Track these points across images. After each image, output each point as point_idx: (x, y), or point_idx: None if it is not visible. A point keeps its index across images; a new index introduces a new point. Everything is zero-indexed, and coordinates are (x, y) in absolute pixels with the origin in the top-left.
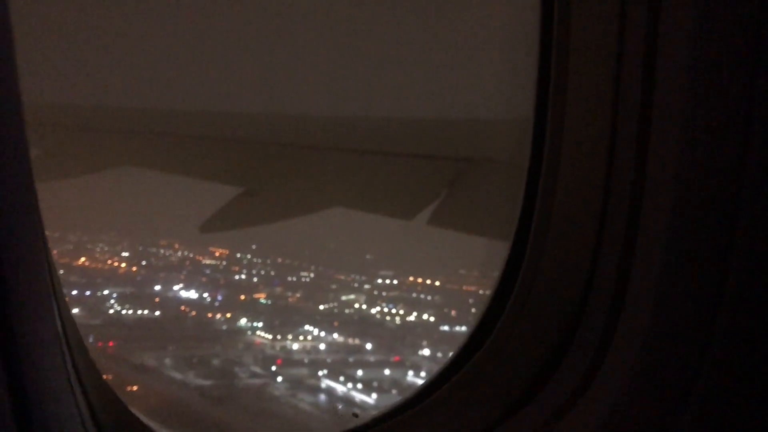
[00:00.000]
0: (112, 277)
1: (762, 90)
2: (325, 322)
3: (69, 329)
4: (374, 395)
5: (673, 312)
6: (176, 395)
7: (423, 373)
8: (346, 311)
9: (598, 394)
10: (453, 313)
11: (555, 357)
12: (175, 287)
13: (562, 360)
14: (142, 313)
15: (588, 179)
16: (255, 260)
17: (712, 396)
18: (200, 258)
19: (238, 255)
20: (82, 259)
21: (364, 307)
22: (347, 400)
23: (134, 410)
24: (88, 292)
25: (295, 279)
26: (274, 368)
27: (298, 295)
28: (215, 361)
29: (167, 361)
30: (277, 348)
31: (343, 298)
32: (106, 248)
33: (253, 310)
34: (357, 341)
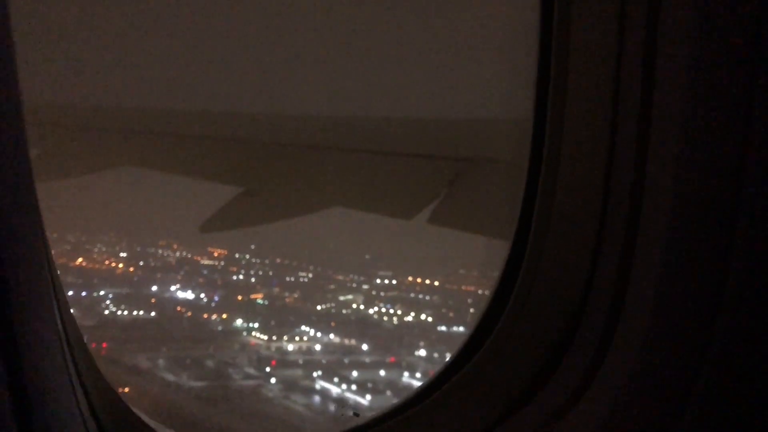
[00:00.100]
0: (109, 278)
1: (762, 90)
2: (321, 322)
3: (69, 328)
4: (368, 396)
5: (673, 312)
6: (168, 397)
7: (419, 374)
8: (344, 311)
9: (598, 394)
10: (451, 313)
11: (555, 357)
12: (172, 288)
13: (562, 360)
14: (137, 314)
15: (588, 179)
16: (254, 260)
17: (712, 396)
18: (198, 258)
19: (237, 255)
20: (80, 259)
21: (361, 307)
22: (341, 402)
23: (135, 409)
24: (84, 293)
25: (293, 279)
26: (268, 369)
27: (295, 295)
28: (209, 363)
29: (161, 362)
30: (273, 349)
31: (341, 298)
32: (104, 249)
33: (249, 311)
34: (353, 342)
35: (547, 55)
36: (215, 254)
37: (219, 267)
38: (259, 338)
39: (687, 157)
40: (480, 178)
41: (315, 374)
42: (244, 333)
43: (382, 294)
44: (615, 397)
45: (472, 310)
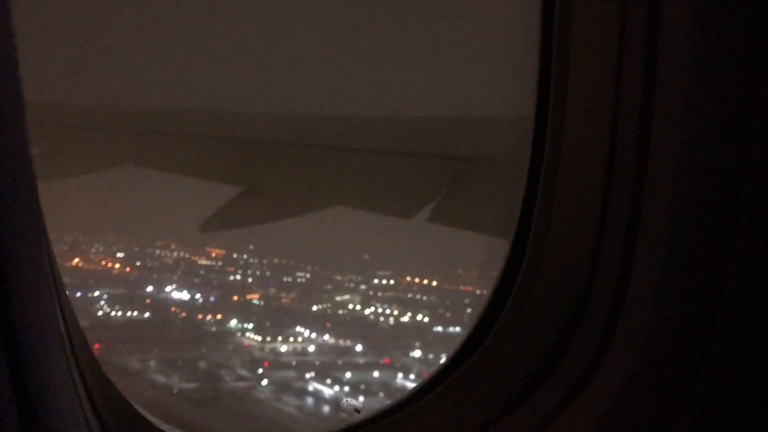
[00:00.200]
0: (104, 278)
1: (762, 90)
2: (317, 323)
3: (71, 327)
4: (361, 398)
5: (673, 312)
6: (158, 399)
7: (412, 376)
8: (340, 312)
9: (597, 393)
10: (447, 314)
11: (554, 357)
12: (168, 288)
13: (561, 360)
14: (131, 315)
15: (588, 179)
16: (251, 261)
17: (712, 396)
18: (196, 258)
19: (235, 255)
20: (76, 260)
21: (358, 307)
22: (333, 403)
23: (137, 407)
24: (78, 294)
25: (290, 279)
26: (260, 371)
27: (291, 295)
28: (201, 364)
29: (152, 363)
30: (267, 350)
31: (338, 298)
32: (101, 249)
33: (244, 312)
34: (348, 343)
35: (547, 55)
36: (213, 255)
37: (216, 267)
38: (252, 339)
39: (687, 157)
40: (480, 177)
41: (308, 375)
42: (238, 334)
43: (379, 294)
44: (614, 397)
45: (469, 311)
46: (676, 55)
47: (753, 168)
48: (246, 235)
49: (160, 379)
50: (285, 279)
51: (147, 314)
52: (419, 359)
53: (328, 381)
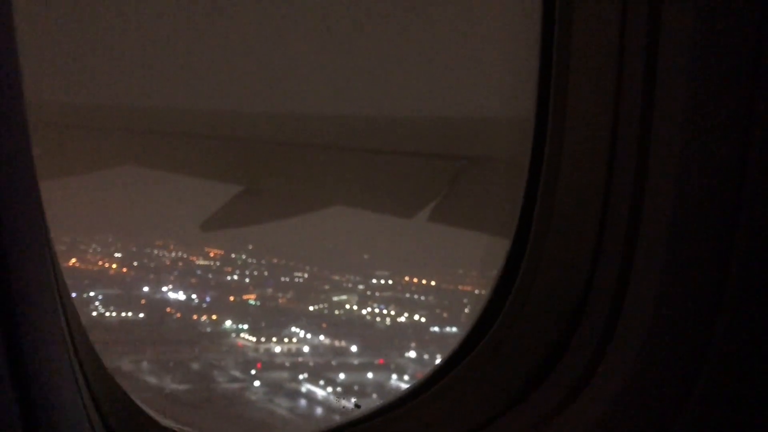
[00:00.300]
0: (100, 279)
1: (763, 90)
2: (313, 323)
3: (73, 324)
4: (353, 399)
5: (673, 312)
6: (149, 401)
7: (407, 377)
8: (336, 312)
9: (597, 393)
10: (445, 314)
11: (554, 357)
12: (164, 289)
13: (561, 360)
14: (125, 316)
15: (589, 178)
16: (250, 261)
17: (711, 396)
18: (194, 258)
19: (233, 255)
20: (73, 260)
21: (354, 308)
22: (326, 405)
23: (140, 403)
24: (73, 295)
25: (288, 279)
26: (253, 372)
27: (288, 296)
28: (194, 365)
29: (144, 365)
30: (261, 351)
31: (335, 298)
32: (99, 249)
33: (240, 312)
34: (343, 343)
35: (548, 54)
36: (211, 254)
37: (214, 267)
38: (247, 340)
39: (688, 157)
40: (481, 176)
41: (301, 377)
42: (233, 334)
43: (377, 294)
44: (614, 397)
45: (466, 311)
46: (676, 55)
47: (753, 168)
48: (246, 235)
49: (152, 380)
50: (283, 279)
51: (141, 315)
52: (414, 360)
53: (321, 382)
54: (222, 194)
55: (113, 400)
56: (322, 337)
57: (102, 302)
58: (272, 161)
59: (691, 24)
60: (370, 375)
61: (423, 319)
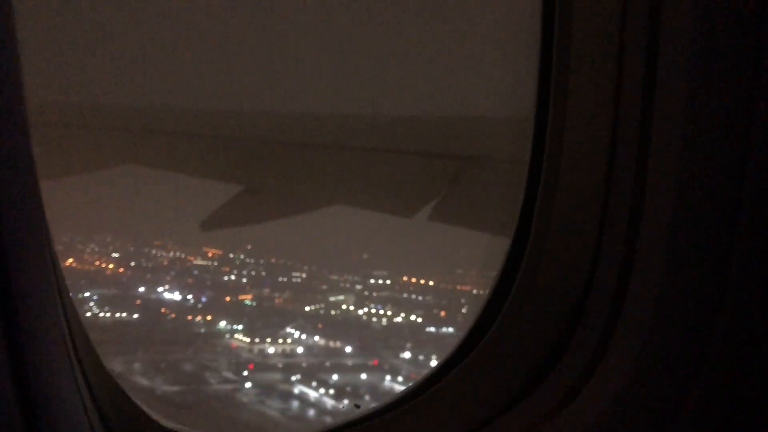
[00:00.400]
0: (96, 279)
1: (762, 90)
2: (308, 324)
3: (73, 323)
4: (346, 401)
5: (673, 312)
6: (140, 403)
7: (401, 378)
8: (332, 313)
9: (596, 393)
10: (442, 314)
11: (554, 357)
12: (159, 289)
13: (560, 360)
14: (120, 316)
15: (589, 178)
16: (248, 260)
17: (711, 396)
18: (192, 258)
19: (231, 255)
20: (70, 260)
21: (351, 308)
22: (319, 407)
23: (139, 403)
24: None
25: (285, 279)
26: (245, 373)
27: (285, 296)
28: (186, 366)
29: (136, 366)
30: (255, 351)
31: (332, 299)
32: (96, 249)
33: (235, 312)
34: (338, 344)
35: (548, 54)
36: (209, 254)
37: (211, 267)
38: (241, 341)
39: (688, 157)
40: (481, 176)
41: (294, 378)
42: (227, 335)
43: (374, 294)
44: (613, 397)
45: (464, 311)
46: (676, 55)
47: (753, 168)
48: (244, 234)
49: (144, 382)
50: (280, 279)
51: (136, 315)
52: (409, 361)
53: (314, 383)
54: (221, 194)
55: (113, 400)
56: (317, 338)
57: (97, 303)
58: (271, 160)
59: (691, 24)
60: (363, 376)
61: (419, 320)
